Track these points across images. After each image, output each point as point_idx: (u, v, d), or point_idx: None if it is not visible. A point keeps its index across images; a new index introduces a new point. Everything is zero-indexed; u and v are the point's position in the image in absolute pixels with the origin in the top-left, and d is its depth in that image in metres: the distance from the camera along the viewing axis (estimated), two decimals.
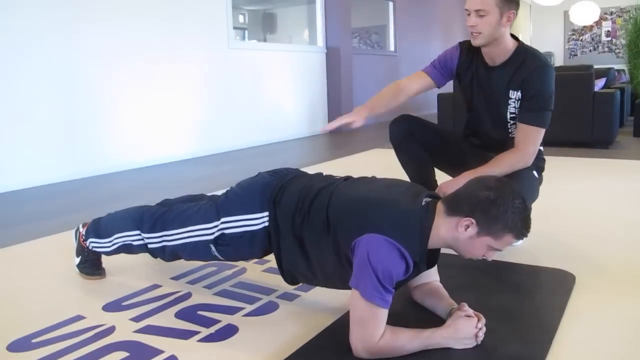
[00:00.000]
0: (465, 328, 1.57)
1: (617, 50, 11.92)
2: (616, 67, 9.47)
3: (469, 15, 2.30)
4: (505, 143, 2.46)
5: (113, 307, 2.01)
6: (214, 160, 5.69)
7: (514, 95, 2.39)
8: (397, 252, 1.51)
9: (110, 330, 1.83)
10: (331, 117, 8.13)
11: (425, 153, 2.62)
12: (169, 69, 5.62)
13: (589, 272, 2.23)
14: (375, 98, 2.52)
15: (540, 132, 2.38)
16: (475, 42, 2.34)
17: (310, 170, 2.00)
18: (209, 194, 2.23)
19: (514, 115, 2.43)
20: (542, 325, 1.75)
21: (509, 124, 2.47)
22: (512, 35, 2.41)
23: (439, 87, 2.63)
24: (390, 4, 10.07)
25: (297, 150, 6.48)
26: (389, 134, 2.66)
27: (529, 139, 2.36)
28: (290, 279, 1.85)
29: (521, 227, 1.54)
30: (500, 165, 2.32)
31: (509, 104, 2.42)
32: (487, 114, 2.52)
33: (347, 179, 1.87)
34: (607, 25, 12.11)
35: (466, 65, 2.51)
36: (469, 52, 2.50)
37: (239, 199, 1.87)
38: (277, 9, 10.34)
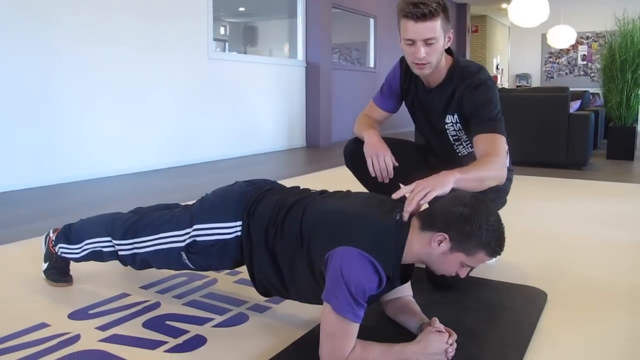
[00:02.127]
0: (436, 343, 1.56)
1: (592, 74, 12.13)
2: (591, 90, 9.62)
3: (411, 45, 2.07)
4: (456, 161, 2.33)
5: (79, 315, 1.97)
6: (190, 171, 5.65)
7: (450, 119, 2.27)
8: (371, 266, 1.50)
9: (75, 338, 1.78)
10: (309, 131, 8.14)
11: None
12: (148, 78, 5.58)
13: (561, 290, 2.23)
14: (365, 123, 2.41)
15: (501, 140, 2.08)
16: (423, 72, 2.16)
17: (287, 183, 1.99)
18: (183, 204, 2.20)
19: (455, 137, 2.32)
20: (513, 343, 1.75)
21: (454, 145, 2.36)
22: (448, 49, 2.21)
23: (394, 113, 2.49)
24: (372, 21, 10.15)
25: (274, 163, 6.47)
26: (344, 157, 2.54)
27: (494, 144, 2.05)
28: (263, 290, 1.83)
29: (495, 245, 1.53)
30: (485, 165, 1.97)
31: (447, 129, 2.30)
32: (431, 133, 2.42)
33: (323, 193, 1.86)
34: (583, 50, 12.32)
35: (407, 84, 2.38)
36: (407, 72, 2.35)
37: (214, 206, 1.85)
38: (258, 22, 10.35)
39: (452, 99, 2.22)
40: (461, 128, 2.28)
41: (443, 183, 1.72)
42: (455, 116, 2.25)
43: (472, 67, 2.23)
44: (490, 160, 1.97)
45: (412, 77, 2.34)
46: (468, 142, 2.34)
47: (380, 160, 2.18)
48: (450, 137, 2.32)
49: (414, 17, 2.01)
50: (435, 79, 2.24)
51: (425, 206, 1.67)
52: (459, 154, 2.38)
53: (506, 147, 2.13)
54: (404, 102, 2.49)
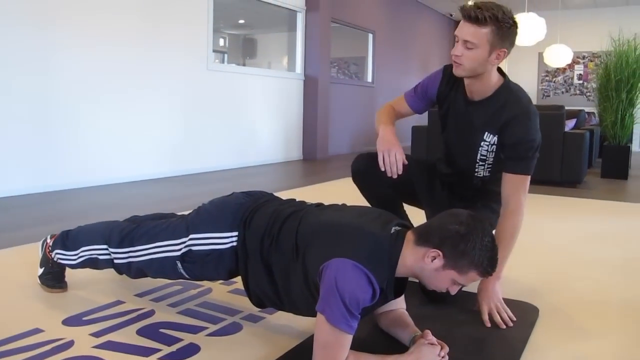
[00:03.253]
0: (428, 355, 1.58)
1: (588, 93, 12.21)
2: (587, 109, 9.69)
3: (456, 41, 2.11)
4: (469, 178, 2.38)
5: (73, 322, 1.97)
6: (187, 181, 5.66)
7: (489, 138, 2.23)
8: (365, 277, 1.51)
9: (69, 344, 1.79)
10: (306, 144, 8.17)
11: (389, 189, 2.45)
12: (147, 88, 5.60)
13: (553, 306, 2.25)
14: (385, 115, 2.39)
15: (527, 180, 2.19)
16: (456, 72, 2.16)
17: (283, 195, 2.00)
18: (179, 214, 2.21)
19: (484, 157, 2.29)
20: (505, 357, 1.76)
21: (477, 164, 2.33)
22: (500, 70, 2.22)
23: (419, 114, 2.50)
24: (370, 36, 10.21)
25: (270, 175, 6.48)
26: (351, 172, 2.52)
27: (518, 189, 2.17)
28: (257, 302, 1.84)
29: (487, 266, 1.55)
30: (509, 241, 2.20)
31: (482, 146, 2.26)
32: (458, 147, 2.40)
33: (319, 205, 1.88)
34: (579, 69, 12.41)
35: (445, 93, 2.34)
36: (450, 80, 2.32)
37: (210, 216, 1.86)
38: (257, 34, 10.42)
39: (494, 119, 2.19)
40: (494, 150, 2.26)
41: (498, 294, 2.08)
42: (495, 138, 2.22)
43: (520, 93, 2.22)
44: (515, 226, 2.23)
45: (454, 85, 2.31)
46: (490, 166, 2.31)
47: (392, 155, 2.16)
48: (479, 154, 2.29)
49: (465, 16, 2.05)
50: (481, 92, 2.21)
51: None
52: (476, 174, 2.36)
53: (528, 184, 2.22)
54: (436, 108, 2.47)
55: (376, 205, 2.50)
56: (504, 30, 2.04)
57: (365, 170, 2.45)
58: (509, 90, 2.20)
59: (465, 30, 2.05)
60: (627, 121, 6.63)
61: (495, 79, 2.18)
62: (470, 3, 2.10)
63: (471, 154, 2.31)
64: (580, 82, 12.45)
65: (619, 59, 6.59)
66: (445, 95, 2.34)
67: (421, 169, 2.56)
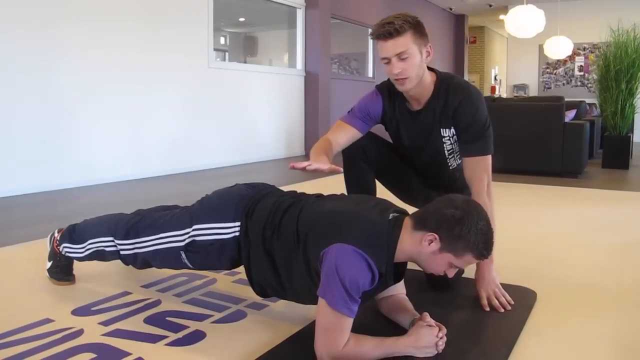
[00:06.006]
0: (427, 337, 1.62)
1: (589, 85, 12.22)
2: (588, 101, 9.70)
3: (388, 63, 2.12)
4: (443, 173, 2.43)
5: (82, 312, 2.03)
6: (189, 178, 5.71)
7: (447, 132, 2.27)
8: (364, 262, 1.56)
9: (79, 333, 1.84)
10: (308, 140, 8.20)
11: (371, 176, 2.54)
12: (149, 87, 5.65)
13: (551, 290, 2.29)
14: (319, 150, 2.36)
15: (488, 159, 2.22)
16: (405, 88, 2.17)
17: (285, 189, 2.05)
18: (182, 205, 2.26)
19: (451, 150, 2.33)
20: (502, 339, 1.81)
21: (447, 159, 2.37)
22: (428, 67, 2.25)
23: (363, 134, 2.44)
24: (370, 31, 10.23)
25: (272, 170, 6.53)
26: (343, 154, 2.56)
27: (480, 170, 2.20)
28: (260, 291, 1.88)
29: (482, 249, 1.60)
30: (493, 214, 2.12)
31: (444, 142, 2.30)
32: (420, 155, 2.42)
33: (319, 196, 1.93)
34: (580, 60, 12.42)
35: (390, 112, 2.37)
36: (390, 99, 2.35)
37: (213, 207, 1.91)
38: (258, 32, 10.45)
39: (443, 114, 2.23)
40: (456, 140, 2.29)
41: (495, 280, 2.12)
42: (452, 130, 2.26)
43: (457, 79, 2.28)
44: (488, 208, 2.06)
45: (395, 104, 2.35)
46: (458, 153, 2.35)
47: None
48: (445, 151, 2.33)
49: (383, 36, 2.08)
50: (422, 96, 2.25)
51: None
52: (450, 167, 2.40)
53: (490, 165, 2.23)
54: (378, 127, 2.48)
55: (351, 184, 2.64)
56: (419, 27, 2.12)
57: (361, 148, 2.50)
58: (445, 82, 2.25)
59: (391, 46, 2.08)
60: (628, 111, 6.66)
61: (429, 78, 2.23)
62: (373, 27, 2.14)
63: (437, 153, 2.35)
64: (581, 73, 12.46)
65: (618, 50, 6.62)
66: (391, 114, 2.38)
67: (403, 166, 2.58)
